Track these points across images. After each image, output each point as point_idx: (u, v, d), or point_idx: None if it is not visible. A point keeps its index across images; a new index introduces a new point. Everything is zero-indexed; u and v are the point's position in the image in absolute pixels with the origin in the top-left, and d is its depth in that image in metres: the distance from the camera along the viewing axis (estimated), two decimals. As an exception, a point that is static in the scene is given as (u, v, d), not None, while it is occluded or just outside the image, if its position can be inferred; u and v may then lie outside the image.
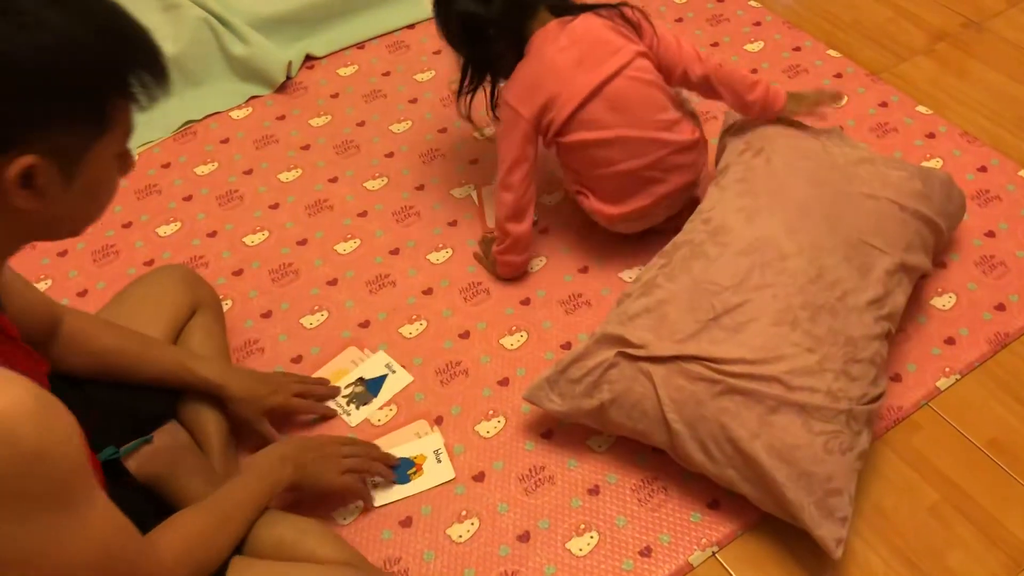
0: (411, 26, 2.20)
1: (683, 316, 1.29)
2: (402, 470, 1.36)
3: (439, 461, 1.37)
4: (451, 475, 1.35)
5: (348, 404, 1.45)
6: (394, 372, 1.49)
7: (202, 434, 1.27)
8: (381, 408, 1.45)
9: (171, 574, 0.92)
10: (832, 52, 2.07)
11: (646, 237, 1.64)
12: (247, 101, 2.02)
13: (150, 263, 1.68)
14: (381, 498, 1.33)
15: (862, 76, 2.01)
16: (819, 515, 1.19)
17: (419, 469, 1.36)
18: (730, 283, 1.30)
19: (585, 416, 1.33)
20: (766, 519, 1.30)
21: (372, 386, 1.48)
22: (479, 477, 1.36)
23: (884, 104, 1.94)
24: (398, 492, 1.34)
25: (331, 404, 1.45)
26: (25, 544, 0.76)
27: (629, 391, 1.27)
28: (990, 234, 1.67)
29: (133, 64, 0.77)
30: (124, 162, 0.84)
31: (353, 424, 1.43)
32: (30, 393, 0.73)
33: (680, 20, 2.18)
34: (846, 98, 1.75)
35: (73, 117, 0.75)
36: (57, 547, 0.78)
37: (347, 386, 1.47)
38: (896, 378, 1.46)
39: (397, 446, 1.39)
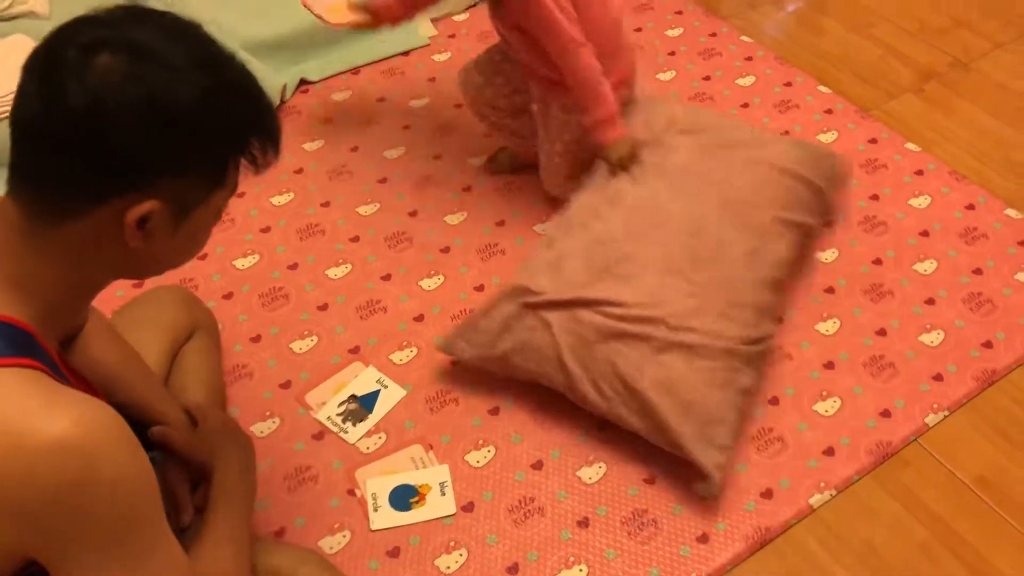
0: (406, 53, 2.21)
1: (579, 267, 1.43)
2: (403, 497, 1.35)
3: (443, 494, 1.36)
4: (453, 509, 1.34)
5: (344, 422, 1.44)
6: (386, 387, 1.49)
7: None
8: (370, 435, 1.44)
9: None
10: (823, 88, 2.10)
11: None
12: (241, 123, 2.02)
13: (139, 285, 1.67)
14: (378, 522, 1.32)
15: (852, 112, 2.03)
16: (699, 443, 1.30)
17: (422, 499, 1.35)
18: (621, 238, 1.46)
19: (493, 363, 1.43)
20: (755, 555, 1.30)
21: (366, 402, 1.47)
22: (468, 507, 1.35)
23: (874, 140, 1.96)
24: (397, 519, 1.33)
25: (326, 423, 1.44)
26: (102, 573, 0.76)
27: (530, 339, 1.39)
28: (978, 271, 1.68)
29: (259, 129, 0.81)
30: (219, 216, 0.87)
31: (352, 441, 1.42)
32: (116, 419, 0.76)
33: (673, 54, 2.20)
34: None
35: (202, 171, 0.80)
36: None
37: (339, 404, 1.47)
38: (885, 414, 1.46)
39: (400, 472, 1.38)
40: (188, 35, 0.78)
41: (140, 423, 1.20)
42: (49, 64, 0.74)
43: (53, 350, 0.84)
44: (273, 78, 2.05)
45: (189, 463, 1.16)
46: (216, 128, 0.78)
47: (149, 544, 0.80)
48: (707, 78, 2.13)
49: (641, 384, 1.32)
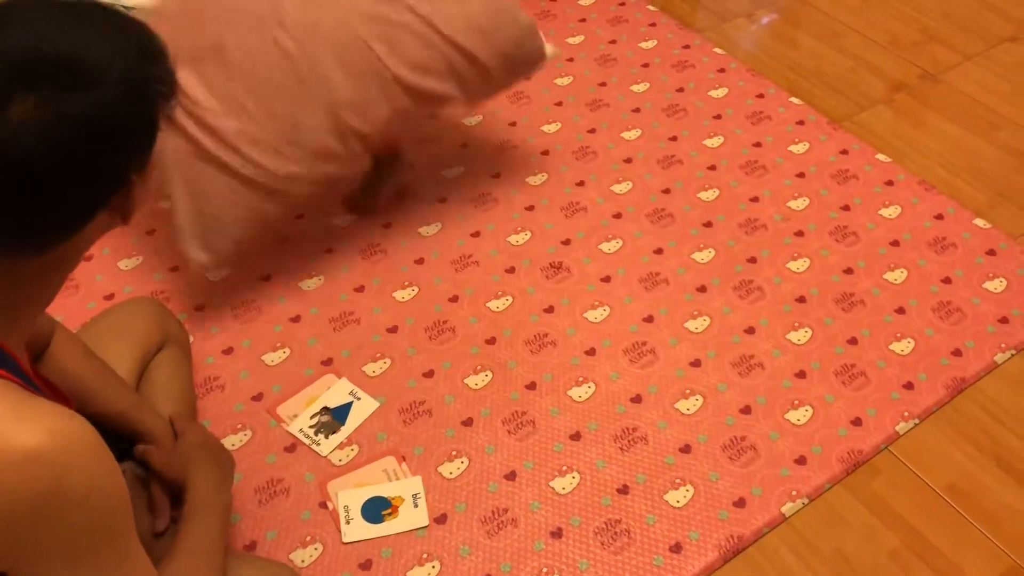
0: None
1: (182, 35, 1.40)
2: (376, 509, 1.34)
3: (416, 506, 1.35)
4: (425, 521, 1.34)
5: (316, 434, 1.44)
6: (359, 399, 1.48)
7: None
8: (342, 447, 1.43)
9: None
10: (794, 100, 2.12)
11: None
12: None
13: (111, 297, 1.66)
14: (351, 535, 1.31)
15: (823, 124, 2.06)
16: (194, 241, 1.46)
17: (395, 511, 1.34)
18: (222, 20, 1.44)
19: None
20: (728, 563, 1.31)
21: (338, 414, 1.46)
22: (441, 519, 1.35)
23: (845, 151, 1.98)
24: (369, 531, 1.32)
25: (298, 435, 1.43)
26: None
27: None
28: (947, 280, 1.70)
29: (164, 70, 0.78)
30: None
31: (324, 453, 1.42)
32: (88, 429, 0.75)
33: (647, 65, 2.22)
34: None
35: (152, 134, 0.78)
36: None
37: (312, 416, 1.46)
38: (856, 422, 1.47)
39: (372, 484, 1.37)
40: (66, 25, 0.72)
41: (115, 433, 1.20)
42: None
43: (21, 358, 0.83)
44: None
45: (166, 480, 1.15)
46: (147, 101, 0.76)
47: (120, 556, 0.79)
48: (680, 90, 2.14)
49: (175, 179, 1.42)
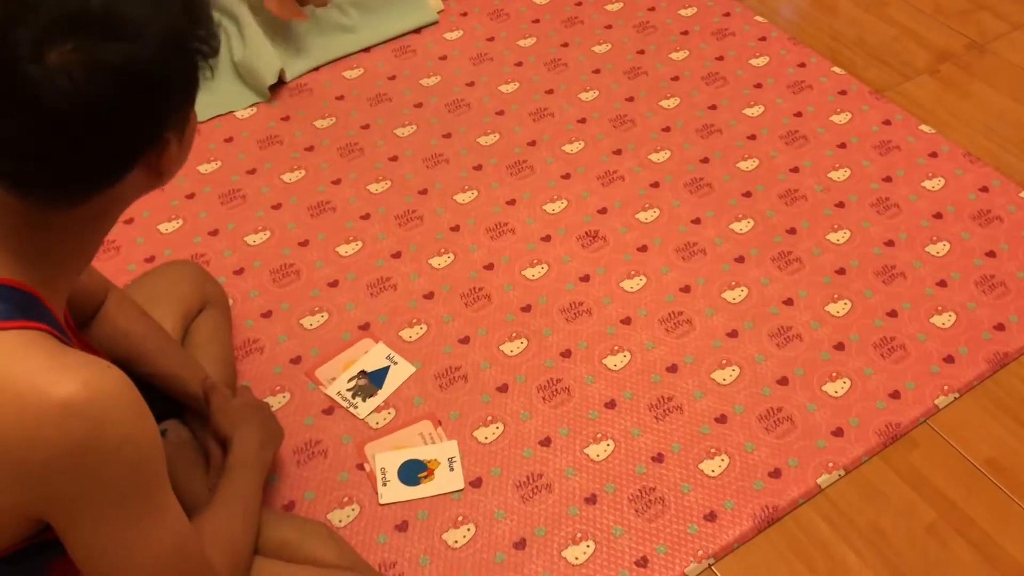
0: (417, 31, 2.20)
1: None
2: (412, 472, 1.35)
3: (451, 469, 1.36)
4: (460, 485, 1.35)
5: (354, 397, 1.45)
6: (396, 363, 1.49)
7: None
8: (379, 411, 1.44)
9: None
10: (837, 69, 2.08)
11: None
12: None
13: (151, 260, 1.68)
14: (387, 496, 1.33)
15: (866, 94, 2.02)
16: None
17: (430, 474, 1.36)
18: None
19: None
20: (763, 533, 1.31)
21: (375, 378, 1.48)
22: (476, 483, 1.36)
23: (887, 122, 1.95)
24: (405, 493, 1.33)
25: (336, 398, 1.45)
26: (105, 537, 0.77)
27: None
28: (991, 254, 1.67)
29: (209, 24, 0.78)
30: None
31: (361, 416, 1.43)
32: (123, 381, 0.76)
33: (686, 33, 2.18)
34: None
35: (190, 87, 0.78)
36: (137, 541, 0.78)
37: (349, 380, 1.47)
38: (895, 395, 1.46)
39: (409, 448, 1.39)
40: None
41: (163, 394, 1.22)
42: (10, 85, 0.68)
43: (59, 313, 0.84)
44: (272, 59, 2.02)
45: (216, 430, 1.17)
46: (186, 58, 0.76)
47: (154, 506, 0.80)
48: (720, 58, 2.11)
49: None
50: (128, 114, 0.72)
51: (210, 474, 1.19)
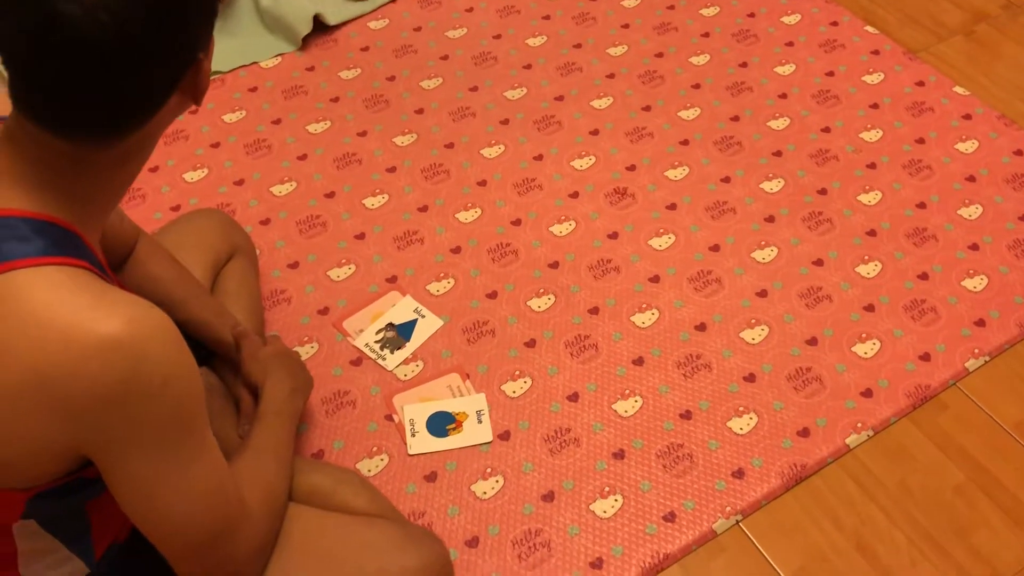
0: (443, -18, 2.16)
1: None
2: (440, 424, 1.36)
3: (480, 422, 1.37)
4: (489, 437, 1.35)
5: (382, 349, 1.45)
6: (423, 317, 1.49)
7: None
8: (407, 363, 1.44)
9: (259, 524, 0.91)
10: (870, 28, 2.05)
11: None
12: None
13: (176, 208, 1.67)
14: (416, 447, 1.33)
15: (899, 54, 1.98)
16: None
17: (459, 426, 1.36)
18: None
19: None
20: (790, 491, 1.31)
21: (403, 331, 1.48)
22: (504, 436, 1.36)
23: (921, 83, 1.92)
24: (434, 444, 1.34)
25: (364, 349, 1.45)
26: (146, 474, 0.77)
27: None
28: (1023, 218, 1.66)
29: None
30: None
31: (389, 368, 1.43)
32: (166, 320, 0.76)
33: (716, -11, 2.15)
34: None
35: (215, 16, 0.80)
36: (177, 478, 0.79)
37: (377, 331, 1.47)
38: (925, 357, 1.45)
39: (437, 400, 1.39)
40: None
41: (198, 341, 1.22)
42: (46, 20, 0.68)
43: (98, 252, 0.84)
44: (305, 7, 2.00)
45: (247, 377, 1.17)
46: None
47: (194, 446, 0.81)
48: (751, 15, 2.08)
49: None
50: (166, 38, 0.72)
51: (240, 421, 1.19)
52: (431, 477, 1.31)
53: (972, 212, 1.66)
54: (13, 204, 0.75)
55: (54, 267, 0.74)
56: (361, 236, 1.63)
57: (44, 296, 0.72)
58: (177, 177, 1.73)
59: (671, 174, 1.74)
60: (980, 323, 1.50)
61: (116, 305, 0.74)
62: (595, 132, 1.82)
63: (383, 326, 1.49)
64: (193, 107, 0.83)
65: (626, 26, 2.05)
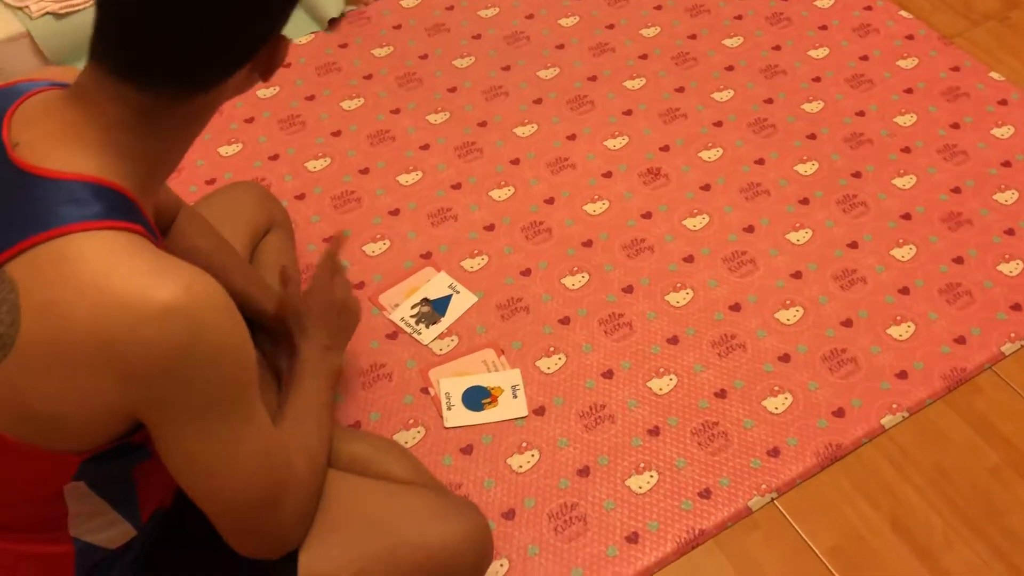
0: (475, -38, 2.16)
1: None
2: (476, 398, 1.37)
3: (515, 396, 1.37)
4: (524, 412, 1.36)
5: (417, 324, 1.46)
6: (458, 292, 1.50)
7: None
8: (442, 338, 1.45)
9: (304, 491, 0.92)
10: (904, 13, 2.03)
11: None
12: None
13: (212, 182, 1.68)
14: (452, 420, 1.34)
15: (934, 39, 1.97)
16: None
17: (494, 400, 1.37)
18: None
19: None
20: (825, 470, 1.31)
21: (438, 306, 1.48)
22: (539, 411, 1.37)
23: (956, 68, 1.90)
24: (469, 418, 1.35)
25: (400, 323, 1.46)
26: (198, 439, 0.78)
27: None
28: (1060, 204, 1.65)
29: None
30: None
31: (425, 342, 1.44)
32: (220, 288, 0.77)
33: (749, -28, 2.13)
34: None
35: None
36: (228, 443, 0.79)
37: (412, 306, 1.48)
38: (960, 340, 1.45)
39: (472, 374, 1.39)
40: None
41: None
42: None
43: (152, 220, 0.85)
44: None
45: (287, 336, 1.18)
46: None
47: (246, 412, 0.81)
48: (785, -2, 2.07)
49: None
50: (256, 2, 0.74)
51: (281, 391, 1.20)
52: (467, 450, 1.32)
53: (1008, 197, 1.66)
54: (73, 168, 0.76)
55: (112, 231, 0.74)
56: (395, 212, 1.64)
57: (103, 260, 0.72)
58: (212, 151, 1.74)
59: (705, 155, 1.73)
60: (1016, 307, 1.49)
61: (173, 272, 0.74)
62: (628, 112, 1.82)
63: (418, 301, 1.49)
64: (260, 83, 0.84)
65: (659, 7, 2.04)
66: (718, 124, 1.79)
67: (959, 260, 1.56)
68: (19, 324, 0.71)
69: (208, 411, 0.78)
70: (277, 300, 1.22)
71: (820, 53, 1.94)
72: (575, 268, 1.56)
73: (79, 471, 0.81)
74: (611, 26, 2.00)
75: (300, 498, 0.91)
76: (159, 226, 1.15)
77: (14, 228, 0.73)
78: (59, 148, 0.76)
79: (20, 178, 0.75)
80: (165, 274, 0.74)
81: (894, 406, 1.37)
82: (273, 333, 1.24)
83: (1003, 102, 1.83)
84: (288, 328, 1.18)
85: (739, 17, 2.02)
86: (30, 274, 0.71)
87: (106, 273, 0.72)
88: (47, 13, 1.80)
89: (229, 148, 1.75)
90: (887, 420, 1.36)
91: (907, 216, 1.63)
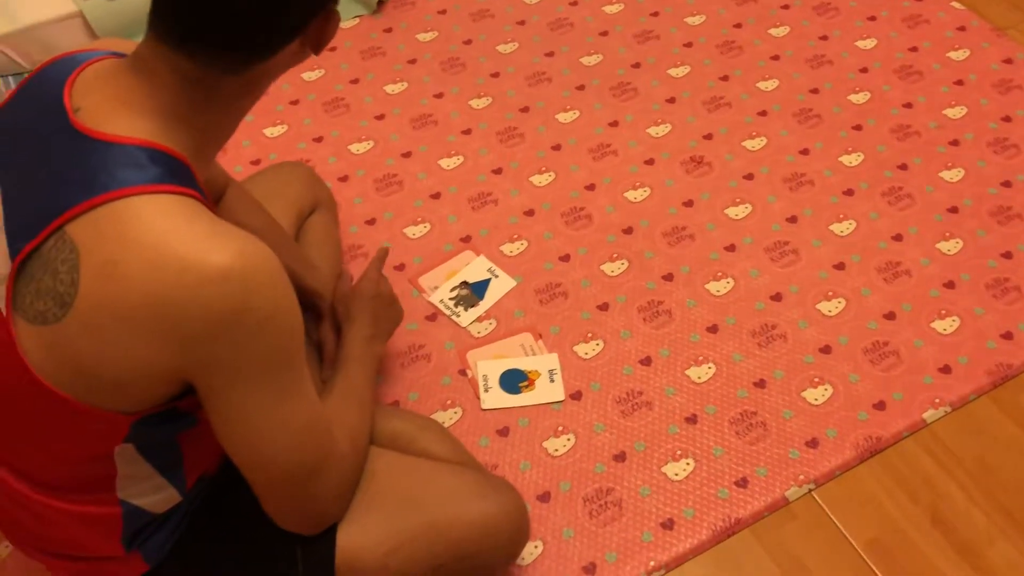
0: (520, -52, 2.16)
1: None
2: (513, 381, 1.37)
3: (552, 380, 1.37)
4: (561, 396, 1.36)
5: (456, 306, 1.47)
6: (496, 276, 1.50)
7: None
8: (481, 320, 1.45)
9: (346, 465, 0.93)
10: (956, 4, 2.00)
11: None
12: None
13: (256, 163, 1.70)
14: (489, 402, 1.35)
15: (986, 31, 1.93)
16: None
17: (531, 384, 1.37)
18: None
19: None
20: (865, 463, 1.30)
21: (477, 289, 1.49)
22: (576, 396, 1.37)
23: (1008, 61, 1.87)
24: (506, 400, 1.35)
25: (439, 305, 1.46)
26: (246, 403, 0.79)
27: None
28: (1114, 201, 1.61)
29: None
30: None
31: (463, 324, 1.45)
32: (273, 256, 0.78)
33: (798, -40, 2.11)
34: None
35: None
36: (275, 410, 0.81)
37: (452, 289, 1.49)
38: (1007, 336, 1.42)
39: (510, 357, 1.40)
40: None
41: None
42: None
43: (206, 189, 0.86)
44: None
45: (332, 315, 1.19)
46: None
47: (293, 379, 0.82)
48: (833, -12, 2.04)
49: None
50: None
51: (323, 367, 1.21)
52: (504, 432, 1.33)
53: (1060, 192, 1.62)
54: (132, 133, 0.77)
55: (169, 195, 0.76)
56: (436, 196, 1.65)
57: (160, 223, 0.74)
58: (257, 132, 1.76)
59: (749, 144, 1.72)
60: (1065, 304, 1.46)
61: (229, 237, 0.76)
62: (672, 100, 1.81)
63: (457, 284, 1.50)
64: (312, 56, 0.85)
65: (704, -4, 2.03)
66: (762, 113, 1.77)
67: (1008, 255, 1.53)
68: (78, 284, 0.73)
69: (257, 376, 0.79)
70: (327, 284, 1.24)
71: (868, 44, 1.91)
72: (615, 255, 1.55)
73: (130, 433, 0.82)
74: (656, 14, 1.99)
75: (341, 473, 0.92)
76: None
77: (75, 190, 0.74)
78: (118, 114, 0.77)
79: (81, 142, 0.76)
80: (221, 238, 0.75)
81: (936, 400, 1.35)
82: (316, 311, 1.25)
83: (1057, 96, 1.79)
84: (336, 310, 1.20)
85: (786, 7, 2.00)
86: (90, 235, 0.73)
87: (164, 235, 0.73)
88: (99, -6, 1.84)
89: (274, 129, 1.77)
90: (929, 414, 1.34)
91: (954, 209, 1.60)
